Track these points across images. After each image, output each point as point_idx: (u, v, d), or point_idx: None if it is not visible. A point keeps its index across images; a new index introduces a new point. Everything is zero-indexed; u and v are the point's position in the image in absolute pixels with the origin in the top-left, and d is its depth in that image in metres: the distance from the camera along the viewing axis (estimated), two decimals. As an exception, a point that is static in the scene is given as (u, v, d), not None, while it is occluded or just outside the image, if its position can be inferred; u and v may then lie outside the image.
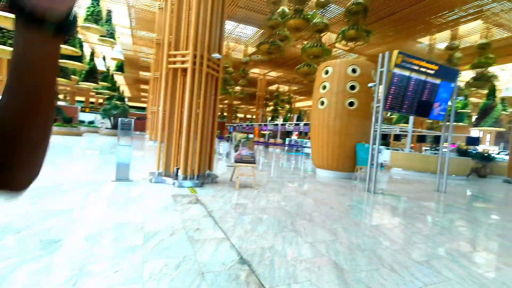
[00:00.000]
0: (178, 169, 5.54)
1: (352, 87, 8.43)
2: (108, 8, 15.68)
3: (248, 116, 56.87)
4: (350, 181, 8.18)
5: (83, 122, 29.31)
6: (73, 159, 8.21)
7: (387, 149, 14.91)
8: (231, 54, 22.91)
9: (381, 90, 6.67)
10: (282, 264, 2.43)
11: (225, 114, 45.66)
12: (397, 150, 14.95)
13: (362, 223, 3.97)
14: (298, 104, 42.74)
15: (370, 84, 7.11)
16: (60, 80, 15.83)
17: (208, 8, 5.44)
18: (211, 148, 6.29)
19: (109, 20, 15.45)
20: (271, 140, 24.29)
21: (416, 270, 2.56)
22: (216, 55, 5.60)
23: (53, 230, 2.74)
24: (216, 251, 2.58)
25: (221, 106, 43.29)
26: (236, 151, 5.94)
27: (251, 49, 20.89)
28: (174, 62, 5.41)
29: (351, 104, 8.38)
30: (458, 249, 3.24)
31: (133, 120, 5.61)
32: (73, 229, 2.82)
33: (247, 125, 32.67)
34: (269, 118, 38.07)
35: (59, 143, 12.25)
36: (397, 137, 23.68)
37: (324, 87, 8.83)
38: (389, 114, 26.01)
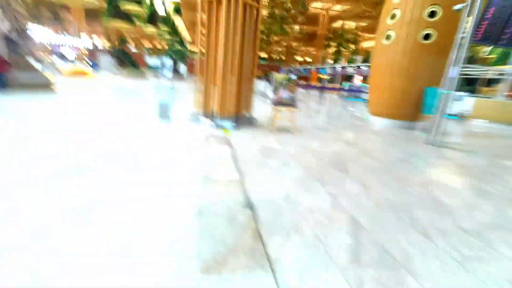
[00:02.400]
0: (214, 110, 5.51)
1: (432, 14, 6.60)
2: None
3: (308, 59, 52.81)
4: (411, 131, 7.06)
5: (149, 66, 31.62)
6: (131, 100, 8.99)
7: (472, 96, 12.20)
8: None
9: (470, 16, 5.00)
10: (289, 213, 2.22)
11: (282, 57, 43.22)
12: (485, 97, 12.11)
13: (407, 179, 3.38)
14: (366, 44, 37.28)
15: (456, 6, 5.40)
16: (125, 25, 16.66)
17: None
18: (250, 89, 5.98)
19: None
20: (329, 85, 22.39)
21: (458, 240, 2.06)
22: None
23: (83, 160, 3.02)
24: (225, 192, 2.50)
25: (278, 48, 40.77)
26: (275, 93, 5.51)
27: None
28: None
29: (426, 37, 6.69)
30: (535, 222, 2.50)
31: (171, 61, 5.53)
32: (99, 160, 3.07)
33: (305, 69, 30.50)
34: (331, 61, 34.65)
35: (124, 86, 13.55)
36: (491, 83, 19.09)
37: (393, 16, 7.14)
38: (484, 51, 20.74)
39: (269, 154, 3.92)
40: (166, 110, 5.59)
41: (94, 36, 36.97)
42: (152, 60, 34.70)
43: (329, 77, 25.65)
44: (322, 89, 18.85)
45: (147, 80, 20.67)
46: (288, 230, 1.97)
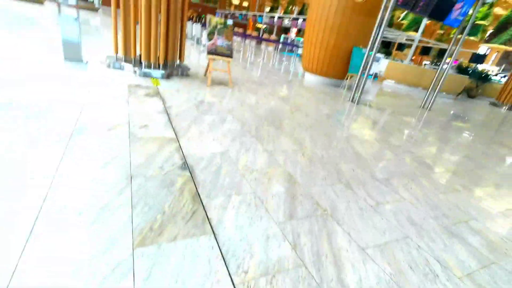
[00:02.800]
0: (140, 55, 4.72)
1: (366, -29, 6.70)
2: None
3: (245, 4, 49.30)
4: (338, 89, 7.66)
5: (44, -12, 24.31)
6: (22, 31, 6.90)
7: (386, 58, 13.77)
8: None
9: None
10: (229, 173, 2.18)
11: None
12: (396, 60, 13.85)
13: (333, 134, 3.72)
14: (302, -6, 36.64)
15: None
16: None
17: None
18: (182, 33, 5.26)
19: None
20: (265, 36, 21.78)
21: (372, 187, 2.42)
22: None
23: (-42, 112, 2.24)
24: (157, 153, 2.26)
25: (212, -14, 36.41)
26: (210, 39, 4.99)
27: None
28: None
29: (359, -5, 6.87)
30: (423, 169, 3.13)
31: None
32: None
33: (242, 15, 28.54)
34: (267, 9, 33.19)
35: (12, 11, 10.22)
36: (401, 47, 21.82)
37: (332, -32, 6.98)
38: (400, 19, 23.08)
39: (205, 108, 3.68)
40: (74, 49, 4.49)
41: None
42: (46, -21, 26.73)
43: (265, 27, 24.83)
44: (259, 39, 18.25)
45: (42, 4, 16.06)
46: (228, 190, 1.94)
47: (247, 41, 20.26)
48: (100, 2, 22.37)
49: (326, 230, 1.72)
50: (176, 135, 2.66)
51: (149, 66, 4.71)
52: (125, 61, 4.84)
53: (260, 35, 23.15)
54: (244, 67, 8.25)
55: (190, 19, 13.86)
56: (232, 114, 3.65)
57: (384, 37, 17.18)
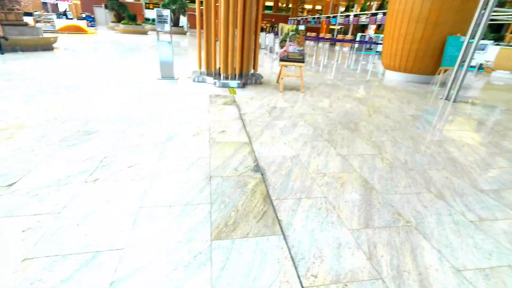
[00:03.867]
0: (220, 68, 5.22)
1: None
2: None
3: (318, 8, 48.52)
4: (428, 86, 6.68)
5: (148, 19, 29.64)
6: (130, 57, 8.57)
7: (497, 45, 11.24)
8: None
9: None
10: (300, 176, 2.17)
11: (290, 5, 39.69)
12: (511, 46, 11.15)
13: (421, 138, 3.25)
14: (382, -13, 33.58)
15: None
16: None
17: None
18: (255, 44, 5.56)
19: None
20: (339, 37, 20.85)
21: (474, 200, 2.01)
22: None
23: (91, 123, 2.95)
24: (233, 156, 2.44)
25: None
26: (282, 47, 5.12)
27: None
28: None
29: (453, -24, 5.89)
30: (554, 181, 2.41)
31: (168, 12, 5.06)
32: (109, 120, 3.00)
33: (314, 19, 28.15)
34: (342, 9, 31.79)
35: (123, 42, 12.86)
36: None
37: (417, -49, 6.21)
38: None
39: (277, 113, 3.78)
40: (168, 68, 5.32)
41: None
42: (150, 12, 32.45)
43: (340, 28, 23.79)
44: (333, 41, 17.62)
45: (146, 34, 19.57)
46: (298, 194, 1.94)
47: (321, 44, 19.80)
48: (188, 26, 25.75)
49: (409, 244, 1.52)
50: (249, 139, 2.82)
51: (226, 77, 5.15)
52: (207, 74, 5.43)
53: (334, 36, 22.31)
54: (317, 71, 8.09)
55: (263, 30, 14.49)
56: (304, 119, 3.63)
57: (492, 20, 14.09)
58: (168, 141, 2.63)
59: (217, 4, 4.83)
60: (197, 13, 5.05)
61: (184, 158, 2.32)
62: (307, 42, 21.15)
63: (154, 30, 25.24)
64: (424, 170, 2.44)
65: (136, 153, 2.36)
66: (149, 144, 2.55)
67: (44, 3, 26.59)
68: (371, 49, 16.22)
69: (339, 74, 7.81)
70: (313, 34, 21.95)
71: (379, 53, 15.02)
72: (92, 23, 22.13)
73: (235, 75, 5.21)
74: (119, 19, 22.02)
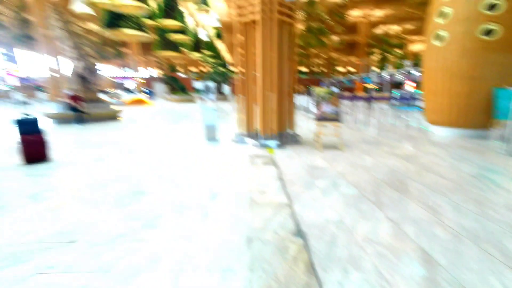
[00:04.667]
0: (258, 129, 5.51)
1: (492, 7, 5.83)
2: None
3: (351, 69, 51.04)
4: (483, 141, 6.12)
5: (196, 89, 33.83)
6: (180, 123, 9.58)
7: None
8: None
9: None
10: (346, 244, 1.99)
11: (323, 70, 42.45)
12: None
13: (487, 200, 2.85)
14: (415, 47, 34.66)
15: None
16: (172, 53, 18.27)
17: None
18: (292, 105, 5.88)
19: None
20: (375, 95, 21.11)
21: None
22: (288, -3, 4.87)
23: (143, 183, 3.20)
24: (273, 217, 2.37)
25: (318, 61, 40.29)
26: (317, 108, 5.31)
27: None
28: (244, 15, 5.05)
29: (488, 32, 5.89)
30: None
31: (213, 83, 5.75)
32: (158, 181, 3.22)
33: (349, 80, 29.39)
34: (376, 69, 32.91)
35: (175, 109, 14.61)
36: None
37: (444, 14, 6.49)
38: None
39: (317, 173, 3.71)
40: (212, 131, 5.78)
41: (149, 66, 41.27)
42: (198, 84, 37.22)
43: (376, 86, 24.27)
44: (369, 99, 17.85)
45: (194, 102, 22.05)
46: (345, 264, 1.74)
47: (357, 102, 20.14)
48: (230, 93, 28.58)
49: None
50: (289, 200, 2.75)
51: (265, 138, 5.37)
52: (247, 136, 5.74)
53: (370, 94, 22.64)
54: (356, 129, 8.06)
55: (298, 92, 15.41)
56: (346, 178, 3.49)
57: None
58: (210, 201, 2.69)
59: (254, 74, 5.40)
60: (238, 82, 5.65)
61: (225, 219, 2.32)
62: (343, 101, 21.68)
63: (201, 98, 28.54)
64: (499, 241, 2.06)
65: (180, 213, 2.44)
66: (192, 204, 2.64)
67: (115, 82, 32.34)
68: (410, 104, 15.93)
69: (379, 131, 7.65)
70: (349, 94, 22.60)
71: (420, 108, 14.63)
72: (151, 95, 25.89)
73: (273, 135, 5.42)
74: (172, 90, 25.52)
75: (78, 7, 11.88)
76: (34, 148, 4.05)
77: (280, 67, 5.26)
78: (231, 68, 32.18)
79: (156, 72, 40.19)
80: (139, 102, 18.79)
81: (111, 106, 10.30)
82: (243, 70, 5.57)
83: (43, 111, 9.07)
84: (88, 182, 3.31)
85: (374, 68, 32.62)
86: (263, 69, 5.14)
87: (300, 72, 38.25)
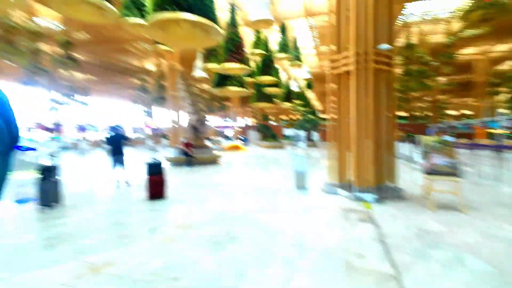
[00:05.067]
0: (351, 180, 5.12)
1: None
2: (294, 36, 18.09)
3: (466, 112, 43.12)
4: None
5: (286, 136, 35.31)
6: (271, 168, 9.96)
7: None
8: (426, 38, 18.69)
9: None
10: None
11: (428, 114, 37.38)
12: None
13: None
14: None
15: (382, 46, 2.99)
16: (266, 104, 20.07)
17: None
18: (391, 154, 5.29)
19: (295, 45, 17.77)
20: (507, 143, 16.72)
21: None
22: (383, 46, 4.73)
23: (235, 227, 3.36)
24: (375, 290, 2.01)
25: (421, 105, 35.98)
26: (425, 159, 4.57)
27: (457, 25, 15.93)
28: (338, 67, 5.16)
29: None
30: None
31: (303, 131, 5.87)
32: (249, 227, 3.31)
33: (464, 124, 24.72)
34: (502, 111, 26.71)
35: (266, 155, 15.46)
36: None
37: None
38: None
39: (431, 239, 3.04)
40: (302, 178, 5.74)
41: (245, 116, 46.46)
42: (288, 131, 38.85)
43: (508, 131, 19.42)
44: (498, 148, 14.32)
45: (284, 149, 22.87)
46: None
47: (480, 152, 16.37)
48: (320, 140, 28.45)
49: None
50: (396, 271, 2.31)
51: (360, 190, 4.90)
52: (339, 186, 5.40)
53: (499, 142, 18.10)
54: (480, 185, 6.43)
55: (399, 140, 13.86)
56: (474, 252, 2.71)
57: None
58: (299, 258, 2.55)
59: (348, 120, 5.22)
60: (328, 128, 5.56)
61: (315, 282, 2.12)
62: (459, 150, 18.09)
63: (291, 144, 29.44)
64: None
65: (266, 267, 2.39)
66: (280, 258, 2.55)
67: (217, 130, 37.47)
68: None
69: (520, 190, 5.83)
70: (466, 141, 18.78)
71: None
72: (246, 142, 28.57)
73: (370, 188, 4.90)
74: (264, 137, 27.45)
75: (197, 72, 14.95)
76: (156, 186, 4.95)
77: (376, 113, 4.96)
78: (321, 115, 32.51)
79: (250, 121, 44.67)
80: (236, 148, 20.92)
81: (214, 152, 11.81)
82: (336, 117, 5.51)
83: (165, 155, 11.22)
84: (193, 220, 3.72)
85: (501, 110, 26.53)
86: (357, 115, 4.95)
87: (400, 117, 34.95)
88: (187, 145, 10.15)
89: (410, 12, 15.67)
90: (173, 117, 20.28)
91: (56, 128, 23.23)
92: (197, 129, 11.39)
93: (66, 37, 15.99)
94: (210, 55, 12.24)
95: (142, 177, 6.34)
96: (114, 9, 5.71)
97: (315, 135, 26.54)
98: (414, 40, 19.52)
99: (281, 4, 15.29)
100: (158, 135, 32.73)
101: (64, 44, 15.98)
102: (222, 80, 13.00)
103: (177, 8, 4.69)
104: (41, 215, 4.04)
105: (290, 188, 5.79)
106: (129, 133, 28.77)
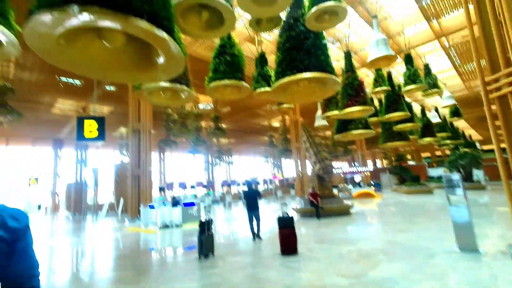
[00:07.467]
0: None
1: None
2: (424, 63, 15.89)
3: None
4: None
5: (432, 178, 28.77)
6: (416, 220, 8.11)
7: None
8: None
9: None
10: None
11: None
12: None
13: None
14: None
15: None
16: (398, 143, 17.57)
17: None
18: None
19: (428, 72, 15.41)
20: None
21: None
22: None
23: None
24: None
25: None
26: None
27: None
28: (498, 88, 3.98)
29: None
30: None
31: (458, 176, 4.62)
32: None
33: None
34: None
35: (407, 203, 12.97)
36: None
37: None
38: None
39: None
40: (468, 236, 4.35)
41: (374, 158, 42.19)
42: (434, 171, 31.74)
43: None
44: None
45: (432, 193, 18.56)
46: None
47: None
48: (486, 179, 21.45)
49: None
50: None
51: None
52: (539, 250, 3.69)
53: None
54: None
55: None
56: None
57: None
58: None
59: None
60: (498, 163, 4.08)
61: None
62: None
63: (440, 188, 23.61)
64: None
65: None
66: None
67: (344, 177, 35.45)
68: None
69: None
70: None
71: None
72: (378, 187, 25.32)
73: None
74: (402, 181, 23.48)
75: (318, 122, 15.45)
76: (288, 241, 5.04)
77: None
78: (480, 146, 25.00)
79: (381, 164, 39.91)
80: (367, 195, 18.83)
81: (343, 201, 11.08)
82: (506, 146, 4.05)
83: (293, 207, 11.51)
84: (328, 282, 3.45)
85: None
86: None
87: None
88: (314, 195, 10.05)
89: None
90: (298, 167, 21.13)
91: (209, 185, 29.12)
92: (322, 178, 11.24)
93: (216, 113, 20.81)
94: (329, 102, 12.49)
95: (272, 229, 6.67)
96: (248, 85, 7.11)
97: (477, 173, 20.27)
98: None
99: (403, 36, 14.27)
100: (286, 185, 34.49)
101: (214, 119, 20.75)
102: (344, 125, 12.76)
103: (296, 71, 5.23)
104: (199, 264, 4.85)
105: (450, 249, 4.45)
106: (260, 187, 31.86)
